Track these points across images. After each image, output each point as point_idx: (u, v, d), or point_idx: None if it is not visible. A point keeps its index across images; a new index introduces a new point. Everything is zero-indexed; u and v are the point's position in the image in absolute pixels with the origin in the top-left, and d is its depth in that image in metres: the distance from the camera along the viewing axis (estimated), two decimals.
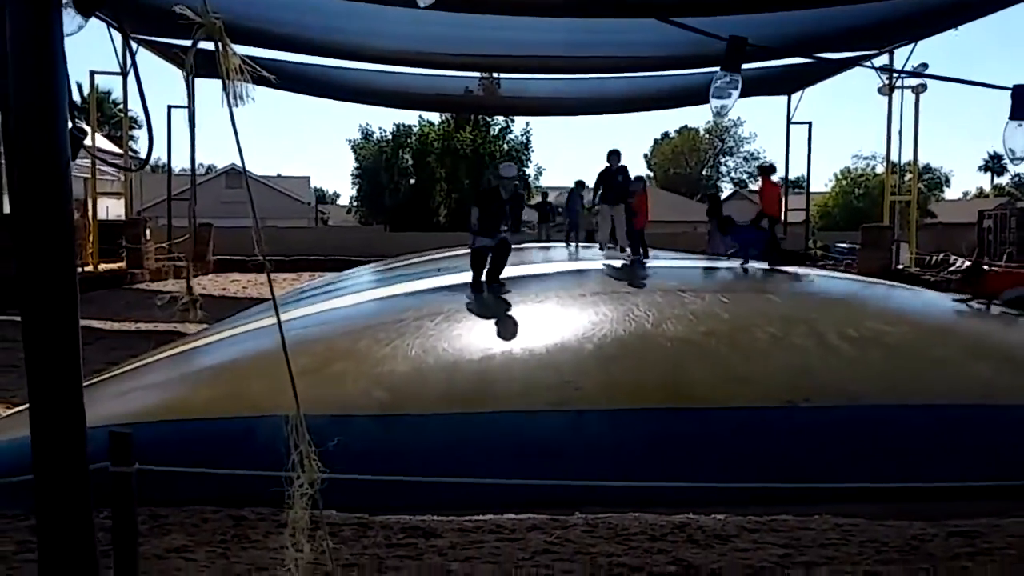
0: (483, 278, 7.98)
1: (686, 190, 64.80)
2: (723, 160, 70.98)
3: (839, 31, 17.98)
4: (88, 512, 1.67)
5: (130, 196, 24.03)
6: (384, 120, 57.21)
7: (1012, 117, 3.73)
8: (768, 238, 10.45)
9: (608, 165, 10.73)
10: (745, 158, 69.11)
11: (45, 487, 1.66)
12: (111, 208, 25.16)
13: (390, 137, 44.15)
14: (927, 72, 19.63)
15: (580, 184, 14.60)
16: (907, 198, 25.92)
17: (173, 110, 23.72)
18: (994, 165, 67.19)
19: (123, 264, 21.33)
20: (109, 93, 43.36)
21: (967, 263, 17.53)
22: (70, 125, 1.68)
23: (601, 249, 11.49)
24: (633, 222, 10.80)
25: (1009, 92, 3.71)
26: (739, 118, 69.33)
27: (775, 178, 12.31)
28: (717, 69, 3.71)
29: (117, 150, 25.70)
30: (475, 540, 4.03)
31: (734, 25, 15.32)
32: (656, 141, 74.13)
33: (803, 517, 4.33)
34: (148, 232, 22.54)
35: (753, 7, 15.05)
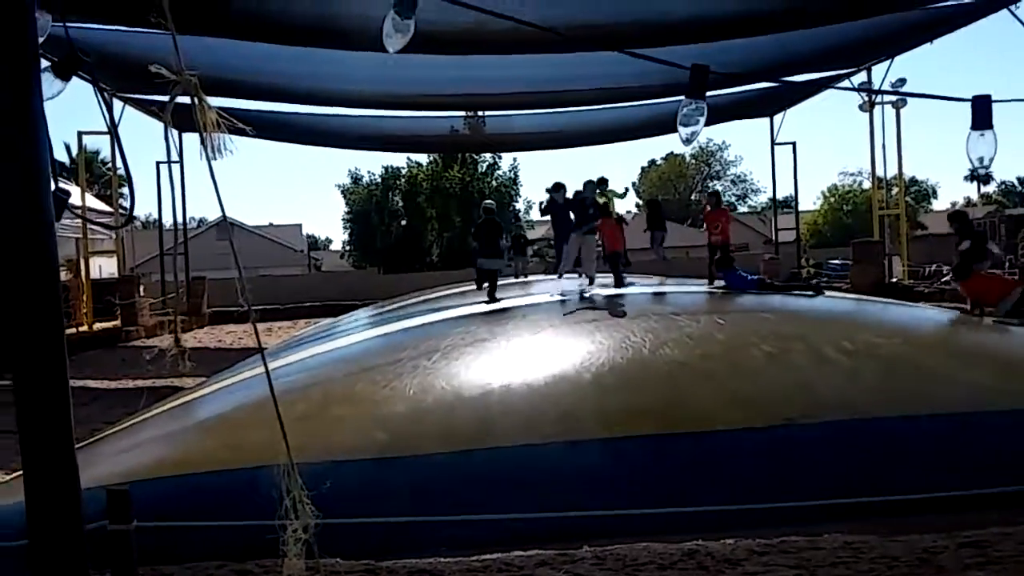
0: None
1: (675, 216, 65.08)
2: (710, 184, 71.47)
3: (816, 52, 18.22)
4: (85, 573, 1.65)
5: (122, 253, 24.08)
6: (373, 164, 57.78)
7: (974, 127, 3.80)
8: (759, 281, 10.34)
9: (582, 189, 10.50)
10: (732, 181, 69.71)
11: (41, 550, 1.65)
12: (104, 266, 25.17)
13: (379, 180, 44.47)
14: (901, 89, 19.92)
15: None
16: (895, 211, 26.08)
17: (162, 166, 23.86)
18: (980, 175, 67.78)
19: (118, 322, 21.29)
20: (98, 152, 43.63)
21: (953, 266, 17.57)
22: (53, 187, 1.70)
23: (559, 277, 10.88)
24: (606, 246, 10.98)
25: (969, 104, 3.78)
26: (724, 142, 70.16)
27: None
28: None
29: (107, 208, 25.78)
30: None
31: (710, 52, 15.57)
32: (643, 168, 74.74)
33: (812, 537, 4.29)
34: (142, 288, 22.54)
35: (727, 34, 15.28)
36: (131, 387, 12.08)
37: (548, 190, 10.65)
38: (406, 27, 3.26)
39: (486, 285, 9.80)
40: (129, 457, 5.36)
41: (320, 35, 14.49)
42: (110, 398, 10.84)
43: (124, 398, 10.70)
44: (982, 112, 3.80)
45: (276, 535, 2.19)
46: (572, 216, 10.46)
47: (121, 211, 24.19)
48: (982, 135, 3.79)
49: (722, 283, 9.97)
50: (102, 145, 39.26)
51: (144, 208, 50.02)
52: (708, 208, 12.96)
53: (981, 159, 3.84)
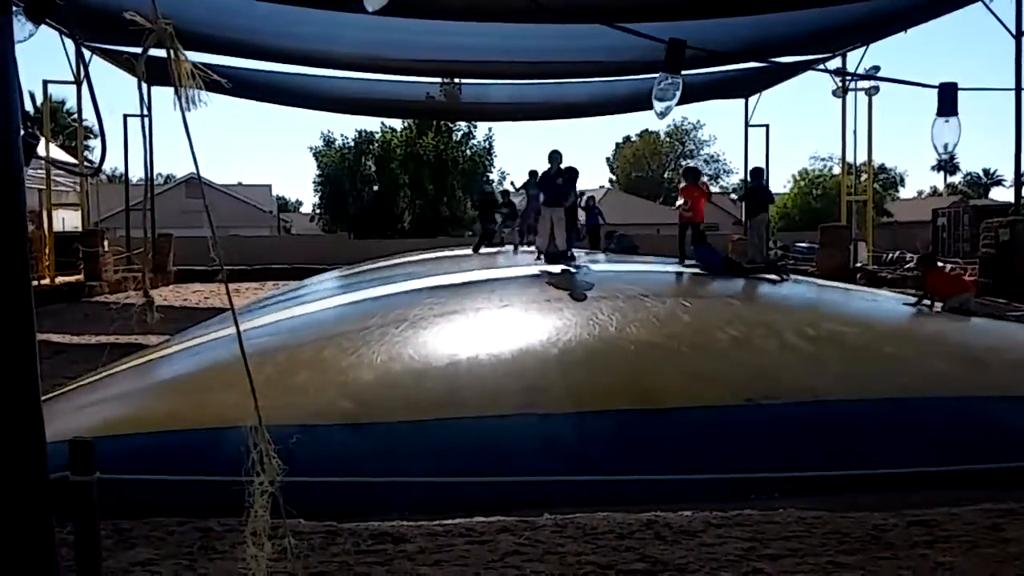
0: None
1: (648, 193, 65.36)
2: (684, 163, 71.73)
3: (793, 35, 18.31)
4: (49, 525, 1.65)
5: (87, 207, 23.62)
6: (346, 127, 57.06)
7: (939, 113, 3.86)
8: (725, 259, 10.44)
9: (548, 167, 10.51)
10: (706, 160, 69.93)
11: (5, 500, 1.64)
12: (67, 219, 24.69)
13: (352, 144, 43.89)
14: (877, 75, 20.09)
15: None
16: (863, 198, 26.43)
17: (129, 119, 23.39)
18: (946, 165, 68.83)
19: (81, 276, 20.94)
20: (63, 103, 42.59)
21: (920, 255, 17.89)
22: (22, 132, 1.66)
23: (538, 257, 10.78)
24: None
25: (936, 91, 3.84)
26: (699, 121, 70.28)
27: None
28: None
29: (72, 160, 25.23)
30: (444, 544, 4.03)
31: (688, 30, 15.56)
32: (618, 145, 74.74)
33: (767, 511, 4.40)
34: (106, 243, 22.16)
35: (706, 12, 15.27)
36: (93, 343, 11.93)
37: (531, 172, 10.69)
38: None
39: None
40: (92, 413, 5.32)
41: None
42: (72, 353, 10.69)
43: (86, 353, 10.56)
44: (948, 99, 3.86)
45: (240, 491, 2.19)
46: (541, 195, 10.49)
47: (87, 163, 23.68)
48: (947, 121, 3.86)
49: (693, 261, 10.07)
50: (67, 95, 38.35)
51: (110, 162, 48.98)
52: (681, 184, 12.96)
53: (946, 145, 3.92)
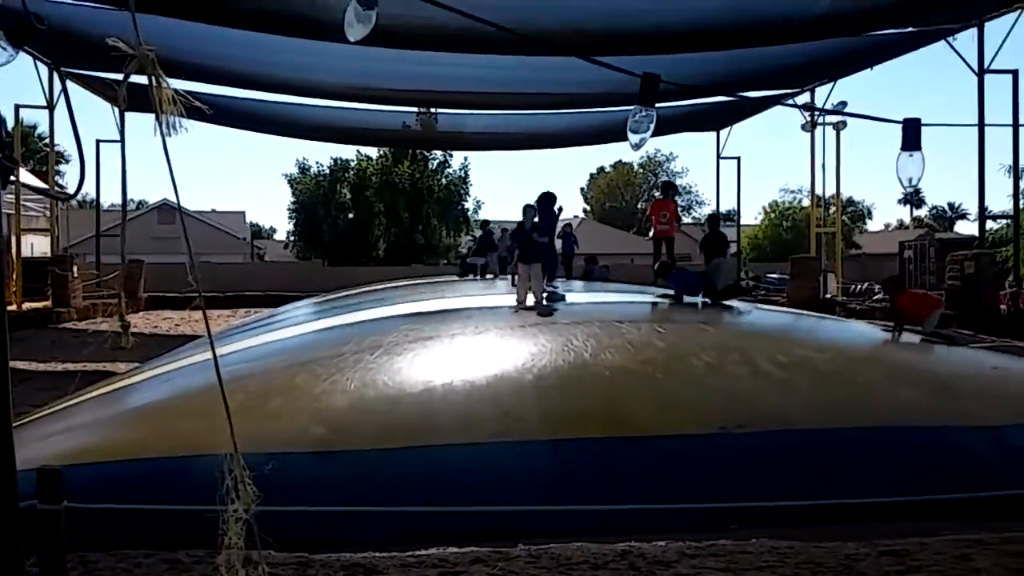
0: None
1: (622, 223, 65.90)
2: (657, 194, 72.47)
3: (763, 71, 18.71)
4: (19, 554, 1.62)
5: (56, 232, 23.32)
6: (321, 154, 57.00)
7: (904, 148, 3.97)
8: (700, 275, 10.40)
9: (521, 222, 10.05)
10: (678, 192, 70.66)
11: None
12: (36, 244, 24.35)
13: (327, 171, 43.88)
14: (843, 110, 20.56)
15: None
16: (832, 230, 26.85)
17: (102, 144, 23.20)
18: (912, 198, 70.25)
19: (49, 303, 20.62)
20: (35, 127, 42.15)
21: (885, 279, 18.15)
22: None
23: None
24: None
25: (900, 126, 3.95)
26: (671, 153, 71.22)
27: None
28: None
29: (44, 185, 24.93)
30: (417, 575, 3.99)
31: (663, 64, 15.82)
32: (592, 175, 75.43)
33: (741, 541, 4.41)
34: (75, 269, 21.87)
35: (679, 47, 15.55)
36: (60, 370, 11.72)
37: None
38: (367, 18, 3.26)
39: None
40: (59, 441, 5.22)
41: (274, 20, 14.28)
42: (39, 380, 10.50)
43: (53, 381, 10.37)
44: (912, 134, 3.98)
45: (210, 521, 2.16)
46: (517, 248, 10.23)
47: (58, 187, 23.41)
48: (911, 156, 3.97)
49: (666, 289, 10.05)
50: (39, 119, 37.95)
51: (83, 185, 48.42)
52: (657, 195, 13.03)
53: (911, 179, 4.02)
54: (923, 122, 3.94)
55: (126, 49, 1.76)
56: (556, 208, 10.74)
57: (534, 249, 9.66)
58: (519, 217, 10.29)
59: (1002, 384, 6.89)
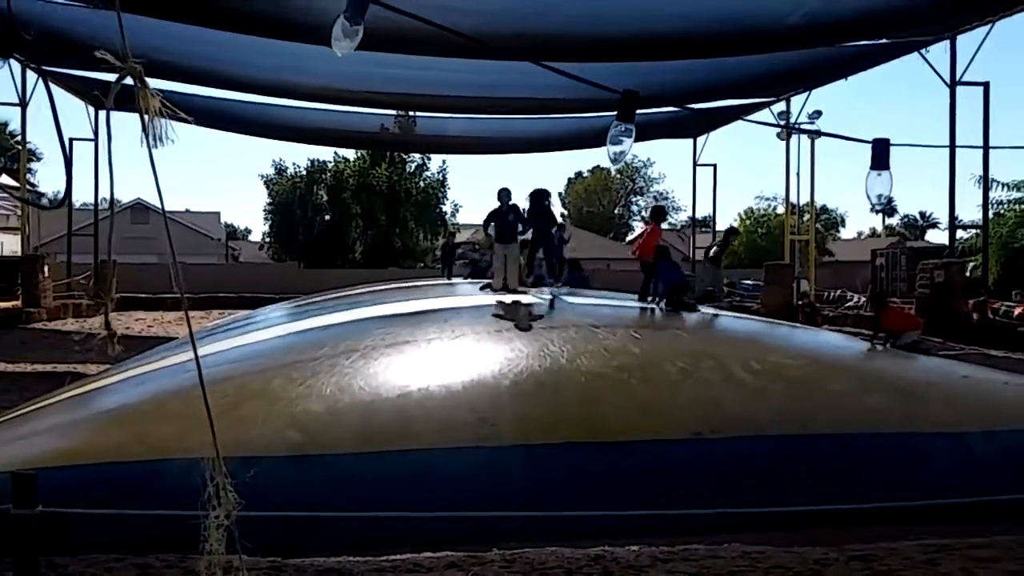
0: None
1: (599, 228, 66.15)
2: (634, 199, 72.92)
3: (739, 79, 18.89)
4: None
5: (27, 231, 22.99)
6: (298, 155, 56.60)
7: (873, 167, 4.07)
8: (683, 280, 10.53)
9: (499, 205, 10.70)
10: (655, 197, 71.12)
11: None
12: (6, 244, 23.98)
13: (304, 173, 43.62)
14: (816, 121, 20.85)
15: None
16: (805, 237, 27.17)
17: (75, 143, 22.92)
18: (885, 207, 71.13)
19: (18, 302, 20.33)
20: (6, 124, 41.56)
21: (871, 293, 18.40)
22: None
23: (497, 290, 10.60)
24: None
25: (870, 145, 4.03)
26: (649, 159, 71.67)
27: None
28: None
29: (15, 183, 24.59)
30: None
31: (641, 70, 15.94)
32: (570, 180, 75.67)
33: (713, 546, 4.46)
34: (46, 269, 21.57)
35: (658, 55, 15.68)
36: (30, 371, 11.56)
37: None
38: (355, 32, 3.27)
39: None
40: (29, 444, 5.16)
41: (253, 21, 14.21)
42: (6, 381, 10.36)
43: (22, 382, 10.24)
44: (881, 154, 4.08)
45: (182, 526, 2.17)
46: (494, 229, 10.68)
47: (29, 187, 23.09)
48: (879, 175, 4.06)
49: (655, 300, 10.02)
50: (11, 116, 37.41)
51: (53, 186, 47.77)
52: (647, 224, 13.16)
53: (879, 196, 4.10)
54: (895, 138, 4.03)
55: (114, 62, 1.77)
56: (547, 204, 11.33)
57: (509, 231, 10.21)
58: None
59: (970, 392, 7.02)
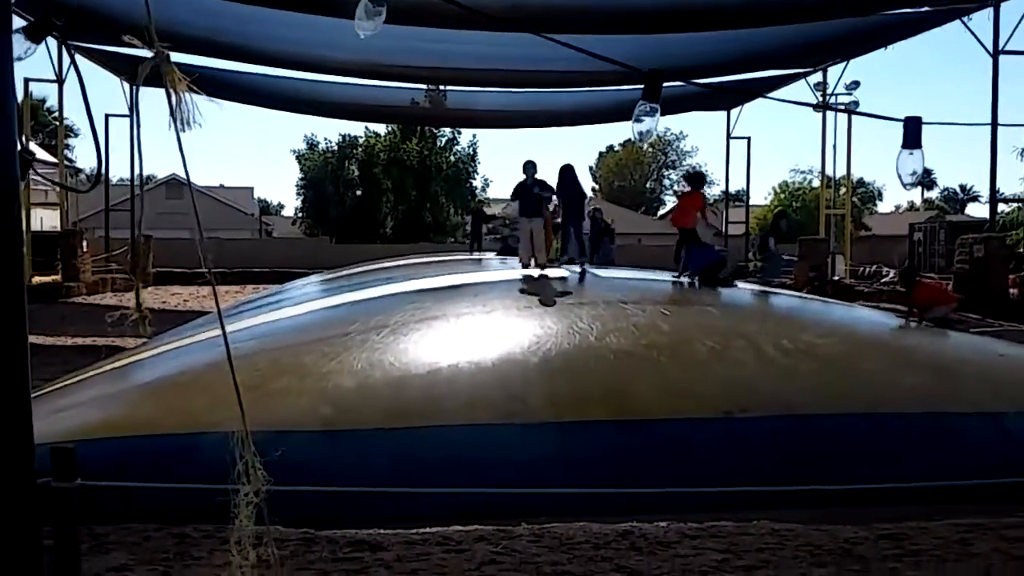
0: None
1: (631, 202, 65.67)
2: (666, 173, 72.16)
3: (774, 50, 18.53)
4: (38, 530, 1.67)
5: (65, 206, 23.42)
6: (329, 131, 56.59)
7: (904, 146, 3.98)
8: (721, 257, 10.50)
9: (524, 178, 10.65)
10: (688, 170, 70.29)
11: None
12: (45, 219, 24.45)
13: (336, 148, 43.81)
14: (854, 92, 20.38)
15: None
16: (842, 211, 26.74)
17: (111, 119, 23.23)
18: (924, 180, 69.64)
19: (58, 277, 20.76)
20: (44, 100, 42.14)
21: (900, 269, 18.13)
22: (19, 147, 1.69)
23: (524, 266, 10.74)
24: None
25: (902, 123, 3.95)
26: (681, 132, 70.69)
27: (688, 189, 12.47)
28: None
29: (52, 159, 25.01)
30: (421, 552, 4.06)
31: (672, 42, 15.70)
32: (601, 154, 75.03)
33: (741, 523, 4.46)
34: (84, 244, 21.98)
35: (689, 26, 15.42)
36: (70, 344, 11.83)
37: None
38: (378, 13, 3.28)
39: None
40: (69, 416, 5.30)
41: None
42: (47, 355, 10.59)
43: (62, 355, 10.48)
44: (913, 132, 3.99)
45: (220, 499, 2.22)
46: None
47: (67, 162, 23.48)
48: (911, 153, 3.98)
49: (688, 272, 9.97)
50: (48, 92, 37.94)
51: (91, 162, 48.44)
52: (684, 189, 13.00)
53: (912, 174, 4.03)
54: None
55: (141, 47, 1.78)
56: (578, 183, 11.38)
57: (534, 204, 10.22)
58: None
59: (1006, 371, 6.90)
